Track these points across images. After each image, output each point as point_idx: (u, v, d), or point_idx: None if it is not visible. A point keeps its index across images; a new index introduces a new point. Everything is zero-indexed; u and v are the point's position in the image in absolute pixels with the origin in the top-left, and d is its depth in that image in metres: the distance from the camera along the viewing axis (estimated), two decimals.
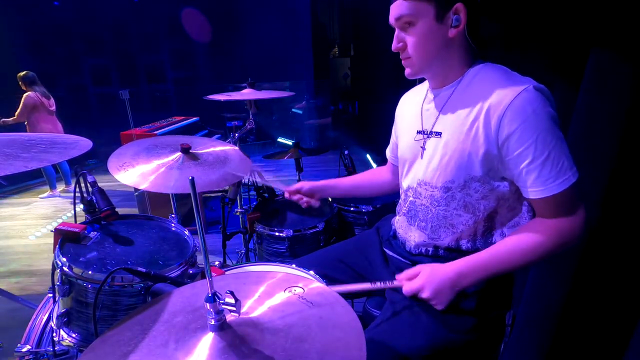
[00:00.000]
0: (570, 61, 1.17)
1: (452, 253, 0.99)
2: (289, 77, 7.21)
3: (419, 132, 1.02)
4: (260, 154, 2.57)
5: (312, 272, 1.10)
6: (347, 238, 1.34)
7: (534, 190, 0.85)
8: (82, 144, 1.04)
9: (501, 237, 0.96)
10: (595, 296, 1.13)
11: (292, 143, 2.33)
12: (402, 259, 1.08)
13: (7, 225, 3.91)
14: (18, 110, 4.15)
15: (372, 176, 1.38)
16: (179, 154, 1.28)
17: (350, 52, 7.56)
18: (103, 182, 1.17)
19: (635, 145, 0.97)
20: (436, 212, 0.98)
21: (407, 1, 0.87)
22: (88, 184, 1.11)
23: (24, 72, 4.20)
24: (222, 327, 0.57)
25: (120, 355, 0.55)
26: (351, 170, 2.06)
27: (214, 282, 0.57)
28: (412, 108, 1.08)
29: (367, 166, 4.88)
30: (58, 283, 0.92)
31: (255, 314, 0.61)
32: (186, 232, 1.13)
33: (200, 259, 0.72)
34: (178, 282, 0.82)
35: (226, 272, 0.90)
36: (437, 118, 0.97)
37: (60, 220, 3.84)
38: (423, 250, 1.03)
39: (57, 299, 0.95)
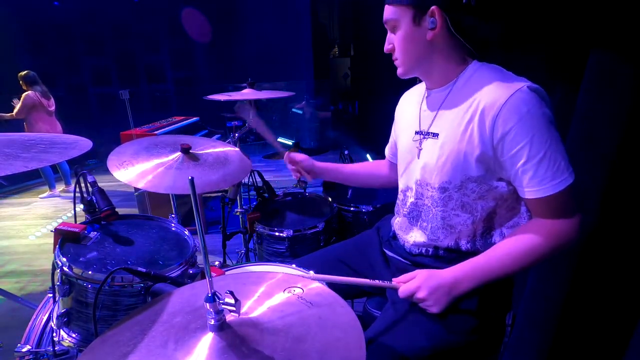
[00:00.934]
0: (571, 62, 1.17)
1: (452, 254, 0.99)
2: (289, 77, 7.21)
3: (416, 132, 1.03)
4: (260, 154, 2.57)
5: (312, 272, 1.10)
6: (347, 238, 1.34)
7: (530, 190, 0.85)
8: (82, 144, 1.04)
9: (501, 237, 0.96)
10: (595, 296, 1.13)
11: (292, 143, 2.33)
12: (403, 260, 1.08)
13: (7, 225, 3.92)
14: (16, 109, 4.15)
15: (372, 168, 1.40)
16: (178, 153, 1.28)
17: (350, 52, 7.55)
18: (103, 182, 1.17)
19: (636, 145, 0.97)
20: (436, 212, 0.98)
21: (391, 6, 0.92)
22: (88, 184, 1.11)
23: (24, 72, 4.21)
24: (221, 327, 0.57)
25: (119, 356, 0.55)
26: None
27: (214, 282, 0.57)
28: (411, 108, 1.09)
29: None
30: (58, 283, 0.92)
31: (254, 314, 0.61)
32: (186, 232, 1.13)
33: (200, 259, 0.72)
34: (178, 282, 0.82)
35: (226, 272, 0.90)
36: (433, 119, 0.98)
37: (60, 220, 3.84)
38: (423, 251, 1.04)
39: (57, 299, 0.95)
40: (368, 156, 5.16)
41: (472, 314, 0.92)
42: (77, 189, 1.09)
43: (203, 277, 0.92)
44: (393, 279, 0.96)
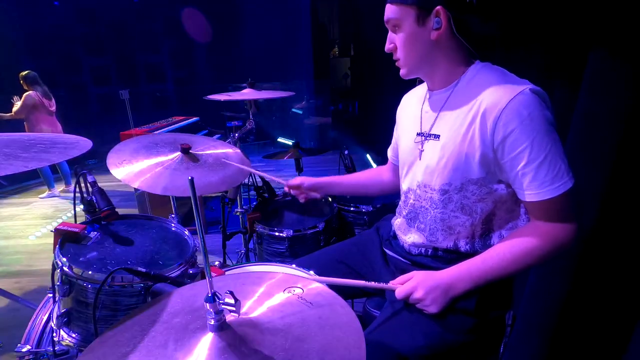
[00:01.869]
0: (571, 62, 1.17)
1: (451, 254, 0.99)
2: (289, 77, 7.21)
3: (418, 134, 1.02)
4: (260, 154, 2.58)
5: (312, 272, 1.10)
6: (347, 238, 1.34)
7: (529, 193, 0.85)
8: (82, 144, 1.04)
9: (499, 239, 0.96)
10: (595, 296, 1.13)
11: (292, 143, 2.33)
12: (402, 259, 1.08)
13: (7, 225, 3.92)
14: (17, 108, 4.15)
15: (373, 175, 1.38)
16: (178, 154, 1.28)
17: (350, 52, 7.55)
18: (103, 182, 1.17)
19: (636, 146, 0.97)
20: (434, 214, 0.98)
21: (392, 5, 0.92)
22: (88, 184, 1.11)
23: (25, 72, 4.21)
24: (221, 328, 0.57)
25: (119, 356, 0.55)
26: (351, 170, 2.06)
27: (214, 282, 0.57)
28: (413, 109, 1.09)
29: (367, 166, 4.88)
30: (58, 283, 0.92)
31: (254, 314, 0.61)
32: (186, 232, 1.13)
33: (200, 259, 0.72)
34: (178, 282, 0.82)
35: (226, 272, 0.90)
36: (435, 120, 0.98)
37: (60, 220, 3.84)
38: (422, 251, 1.04)
39: (57, 299, 0.95)
40: (368, 156, 5.16)
41: (471, 314, 0.92)
42: (77, 189, 1.09)
43: (203, 277, 0.92)
44: (390, 282, 0.96)
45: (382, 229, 1.24)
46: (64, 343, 0.94)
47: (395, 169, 1.28)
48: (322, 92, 7.37)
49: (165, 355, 0.55)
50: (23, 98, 4.15)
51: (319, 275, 1.10)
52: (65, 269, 0.90)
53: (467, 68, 0.94)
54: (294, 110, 7.06)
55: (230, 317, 0.59)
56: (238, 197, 1.97)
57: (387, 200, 1.75)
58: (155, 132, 3.30)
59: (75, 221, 1.11)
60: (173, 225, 1.16)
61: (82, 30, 6.82)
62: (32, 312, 1.21)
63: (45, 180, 4.61)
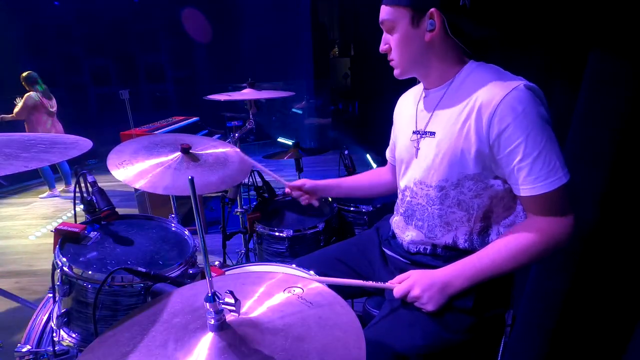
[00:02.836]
0: (570, 62, 1.17)
1: (450, 252, 0.99)
2: (289, 77, 7.21)
3: (414, 132, 1.04)
4: (260, 153, 2.57)
5: (312, 272, 1.10)
6: (347, 238, 1.34)
7: (524, 188, 0.85)
8: (82, 144, 1.04)
9: (497, 236, 0.96)
10: (595, 296, 1.13)
11: (292, 143, 2.33)
12: (401, 259, 1.09)
13: (7, 225, 3.92)
14: (18, 109, 4.15)
15: (373, 177, 1.39)
16: (178, 154, 1.28)
17: (350, 52, 7.56)
18: (103, 182, 1.17)
19: (635, 146, 0.97)
20: (432, 211, 0.99)
21: (387, 6, 0.93)
22: (88, 184, 1.11)
23: (26, 72, 4.21)
24: (221, 327, 0.57)
25: (119, 356, 0.55)
26: (351, 170, 2.06)
27: (214, 282, 0.57)
28: (408, 109, 1.10)
29: (367, 166, 4.88)
30: (58, 283, 0.92)
31: (254, 314, 0.61)
32: (186, 232, 1.13)
33: (200, 259, 0.72)
34: (178, 282, 0.82)
35: (226, 272, 0.90)
36: (430, 118, 0.99)
37: (60, 220, 3.84)
38: (421, 249, 1.04)
39: (57, 299, 0.95)
40: (368, 156, 5.16)
41: (469, 313, 0.93)
42: (77, 189, 1.09)
43: (203, 277, 0.92)
44: (389, 281, 0.97)
45: (382, 228, 1.25)
46: (64, 343, 0.94)
47: (394, 169, 1.28)
48: (322, 92, 7.37)
49: (165, 355, 0.55)
50: (24, 99, 4.16)
51: (319, 275, 1.10)
52: (65, 269, 0.90)
53: (462, 67, 0.95)
54: (294, 110, 7.06)
55: (230, 317, 0.59)
56: (238, 197, 1.97)
57: (387, 200, 1.75)
58: (156, 132, 3.31)
59: (75, 221, 1.11)
60: (173, 225, 1.16)
61: (82, 30, 6.81)
62: (32, 312, 1.21)
63: (46, 180, 4.61)
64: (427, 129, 0.99)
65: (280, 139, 6.52)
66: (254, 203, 1.90)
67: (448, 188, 0.95)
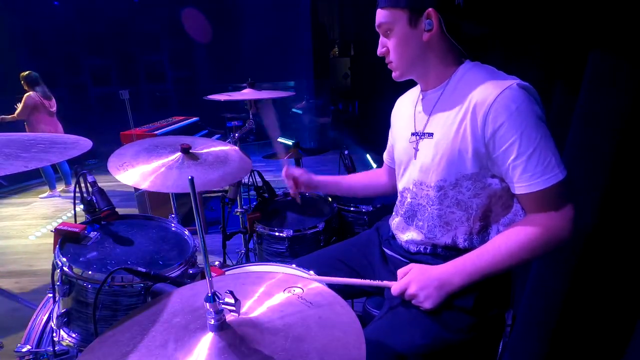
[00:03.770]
0: (571, 62, 1.17)
1: (450, 251, 1.00)
2: (289, 77, 7.22)
3: (412, 133, 1.04)
4: (260, 153, 2.57)
5: (312, 272, 1.10)
6: (347, 238, 1.34)
7: (520, 186, 0.85)
8: (82, 144, 1.04)
9: (496, 232, 0.96)
10: (595, 296, 1.13)
11: (292, 143, 2.33)
12: (402, 258, 1.09)
13: (7, 225, 3.92)
14: (18, 109, 4.15)
15: (369, 177, 1.41)
16: (178, 154, 1.29)
17: (350, 52, 7.55)
18: (103, 182, 1.17)
19: (635, 146, 0.97)
20: (431, 211, 0.99)
21: (384, 10, 0.94)
22: (88, 184, 1.11)
23: (26, 72, 4.21)
24: (221, 327, 0.57)
25: (119, 356, 0.55)
26: (351, 170, 2.06)
27: (214, 282, 0.57)
28: (406, 111, 1.11)
29: (367, 166, 4.89)
30: (58, 283, 0.92)
31: (254, 314, 0.61)
32: (186, 232, 1.13)
33: (200, 259, 0.72)
34: (178, 282, 0.82)
35: (226, 272, 0.90)
36: (428, 119, 1.00)
37: (60, 220, 3.84)
38: (422, 249, 1.04)
39: (57, 299, 0.95)
40: (368, 156, 5.16)
41: (469, 312, 0.93)
42: (77, 189, 1.09)
43: (203, 277, 0.92)
44: (386, 281, 0.97)
45: (382, 228, 1.25)
46: (64, 343, 0.94)
47: (391, 171, 1.30)
48: (322, 92, 7.37)
49: (165, 355, 0.55)
50: (23, 99, 4.16)
51: (319, 275, 1.10)
52: (65, 269, 0.90)
53: (458, 67, 0.96)
54: (294, 110, 7.06)
55: (230, 317, 0.59)
56: (238, 197, 1.97)
57: (387, 201, 1.75)
58: (156, 133, 3.31)
59: (75, 221, 1.11)
60: (173, 225, 1.16)
61: (82, 30, 6.81)
62: (32, 312, 1.21)
63: (47, 180, 4.61)
64: (426, 130, 0.99)
65: (280, 139, 6.52)
66: (254, 203, 1.90)
67: (446, 188, 0.95)
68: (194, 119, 4.17)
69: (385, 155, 1.33)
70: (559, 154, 0.84)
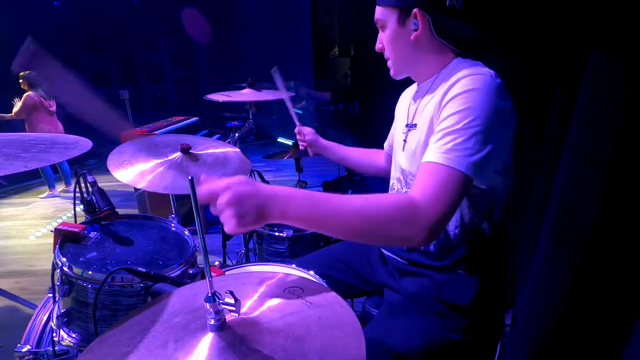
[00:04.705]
0: (570, 62, 1.17)
1: (442, 244, 0.97)
2: (289, 77, 7.21)
3: (405, 125, 1.06)
4: (260, 154, 2.57)
5: (312, 272, 1.10)
6: None
7: (426, 155, 0.80)
8: (82, 144, 1.04)
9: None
10: (595, 296, 1.13)
11: (292, 143, 2.33)
12: (398, 259, 1.09)
13: (7, 225, 3.92)
14: (17, 109, 4.15)
15: (370, 155, 1.44)
16: (178, 154, 1.29)
17: (350, 52, 7.54)
18: (103, 182, 1.17)
19: (635, 146, 0.97)
20: None
21: (379, 7, 0.96)
22: (88, 184, 1.11)
23: (26, 72, 4.21)
24: (221, 327, 0.57)
25: (119, 356, 0.55)
26: (351, 170, 2.06)
27: (214, 282, 0.57)
28: (405, 103, 1.13)
29: None
30: (58, 283, 0.92)
31: (254, 314, 0.61)
32: (186, 232, 1.13)
33: (200, 259, 0.72)
34: (178, 282, 0.82)
35: (226, 272, 0.90)
36: (415, 111, 1.01)
37: (60, 220, 3.84)
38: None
39: (57, 299, 0.95)
40: None
41: (468, 312, 0.93)
42: (77, 189, 1.09)
43: (203, 277, 0.92)
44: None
45: None
46: (64, 343, 0.94)
47: (389, 157, 1.32)
48: (322, 92, 7.37)
49: (165, 355, 0.55)
50: (23, 99, 4.16)
51: (319, 275, 1.10)
52: (65, 269, 0.90)
53: (449, 64, 0.96)
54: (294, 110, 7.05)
55: (230, 317, 0.59)
56: None
57: None
58: (156, 132, 3.30)
59: (75, 221, 1.11)
60: (173, 225, 1.16)
61: (82, 31, 6.81)
62: (32, 312, 1.21)
63: (46, 180, 4.60)
64: (413, 122, 1.01)
65: (280, 139, 6.52)
66: None
67: None
68: (194, 119, 4.17)
69: (385, 143, 1.36)
70: (488, 156, 0.77)
